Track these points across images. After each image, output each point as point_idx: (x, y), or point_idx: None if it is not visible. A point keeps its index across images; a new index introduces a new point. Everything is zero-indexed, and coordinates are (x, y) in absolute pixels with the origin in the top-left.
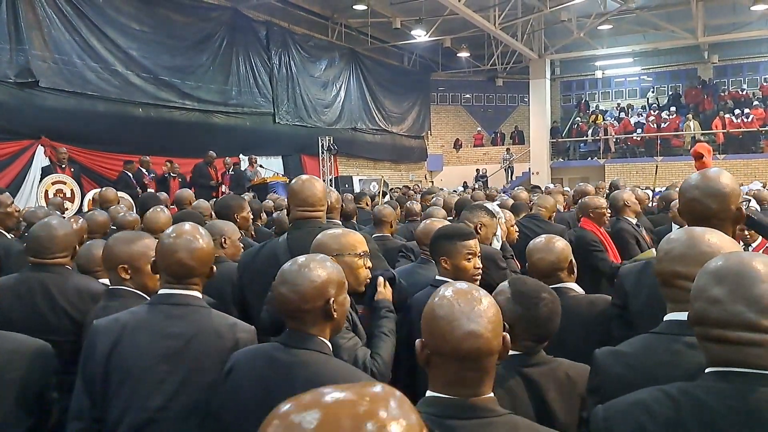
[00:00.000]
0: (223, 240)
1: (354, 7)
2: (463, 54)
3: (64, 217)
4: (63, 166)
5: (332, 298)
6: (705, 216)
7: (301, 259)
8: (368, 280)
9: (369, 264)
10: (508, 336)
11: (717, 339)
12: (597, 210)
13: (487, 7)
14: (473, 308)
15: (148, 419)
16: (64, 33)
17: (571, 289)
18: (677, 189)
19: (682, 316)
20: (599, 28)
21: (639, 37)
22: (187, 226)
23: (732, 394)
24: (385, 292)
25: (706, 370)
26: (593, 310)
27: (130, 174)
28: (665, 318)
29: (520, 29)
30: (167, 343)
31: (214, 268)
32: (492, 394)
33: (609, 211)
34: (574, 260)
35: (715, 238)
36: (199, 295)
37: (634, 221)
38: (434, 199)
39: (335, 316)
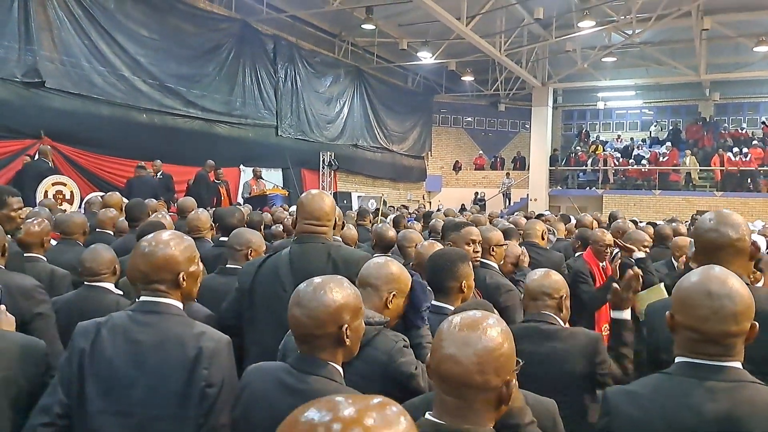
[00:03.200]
0: (249, 252)
1: (362, 26)
2: (467, 78)
3: None
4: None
5: (346, 325)
6: (721, 245)
7: (317, 280)
8: None
9: None
10: (512, 383)
11: None
12: (596, 244)
13: (494, 33)
14: (465, 335)
15: (117, 423)
16: (74, 36)
17: (552, 316)
18: (674, 224)
19: (694, 359)
20: (603, 60)
21: (642, 71)
22: (163, 234)
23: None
24: None
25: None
26: (574, 342)
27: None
28: (676, 359)
29: (524, 57)
30: (134, 349)
31: (196, 275)
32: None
33: (609, 248)
34: (566, 299)
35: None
36: (171, 302)
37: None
38: (434, 221)
39: (347, 342)
